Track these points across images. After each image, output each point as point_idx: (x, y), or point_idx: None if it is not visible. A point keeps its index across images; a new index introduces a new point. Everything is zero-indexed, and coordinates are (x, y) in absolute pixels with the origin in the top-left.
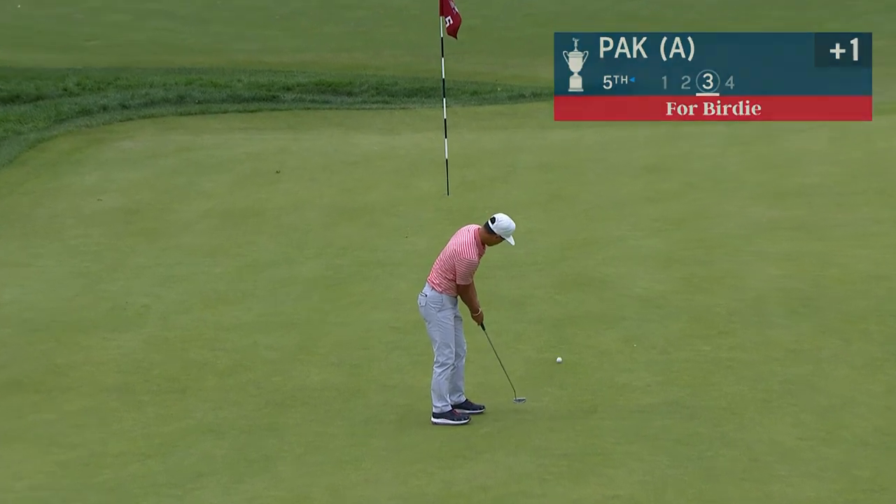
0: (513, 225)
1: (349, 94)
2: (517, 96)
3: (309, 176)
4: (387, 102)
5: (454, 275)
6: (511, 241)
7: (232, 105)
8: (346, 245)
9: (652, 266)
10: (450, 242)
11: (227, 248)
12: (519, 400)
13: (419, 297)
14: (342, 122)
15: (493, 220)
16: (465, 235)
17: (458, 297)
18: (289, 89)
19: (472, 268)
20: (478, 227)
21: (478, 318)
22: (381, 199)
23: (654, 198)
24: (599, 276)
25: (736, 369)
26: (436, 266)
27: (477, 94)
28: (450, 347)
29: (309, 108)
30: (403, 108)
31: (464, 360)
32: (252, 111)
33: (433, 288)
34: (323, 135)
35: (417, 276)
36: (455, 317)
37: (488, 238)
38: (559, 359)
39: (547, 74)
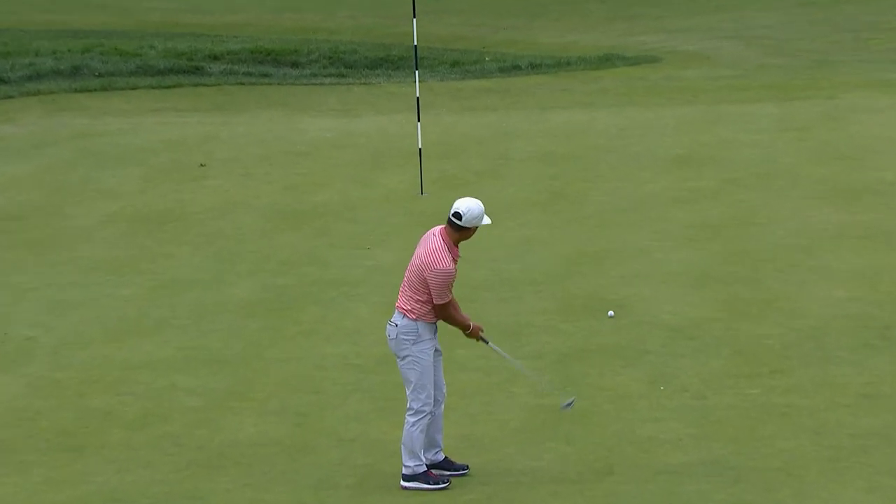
0: (480, 206)
1: (294, 64)
2: (510, 68)
3: (242, 170)
4: (343, 76)
5: (427, 294)
6: (487, 220)
7: (142, 79)
8: (290, 259)
9: (683, 286)
10: (414, 255)
11: (138, 264)
12: (567, 405)
13: (388, 327)
14: (285, 101)
15: (458, 216)
16: (431, 241)
17: (437, 323)
18: (216, 58)
19: (449, 279)
20: (442, 226)
21: (474, 334)
22: (335, 200)
23: (685, 198)
24: (616, 299)
25: (792, 418)
26: (404, 287)
27: (459, 64)
28: (427, 390)
29: (243, 84)
30: (364, 84)
31: (443, 407)
32: (168, 87)
33: (405, 315)
34: (260, 118)
35: (382, 300)
36: (434, 350)
37: (459, 236)
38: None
39: (548, 39)
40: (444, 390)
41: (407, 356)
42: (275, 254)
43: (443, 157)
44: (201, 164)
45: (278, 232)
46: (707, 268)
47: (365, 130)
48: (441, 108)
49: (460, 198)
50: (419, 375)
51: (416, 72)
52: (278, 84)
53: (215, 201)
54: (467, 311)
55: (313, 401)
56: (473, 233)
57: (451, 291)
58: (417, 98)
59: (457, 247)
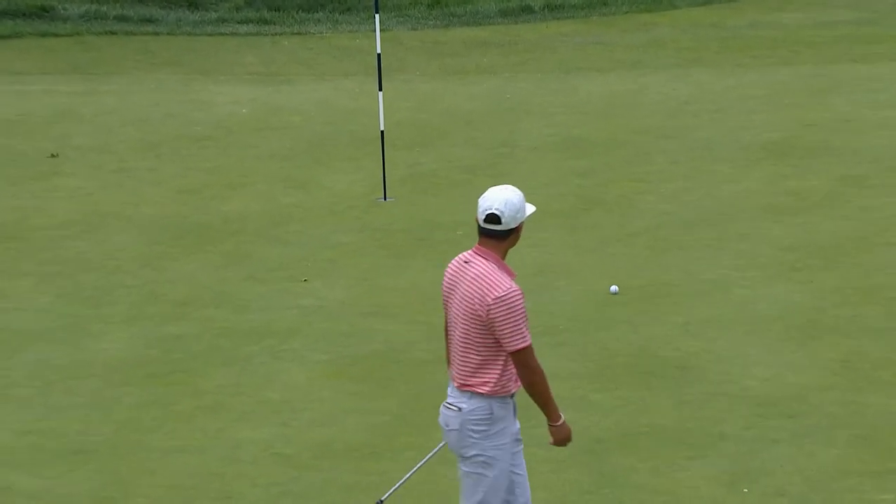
0: (516, 191)
1: (193, 5)
2: (518, 10)
3: (114, 164)
4: (266, 22)
5: (498, 348)
6: (532, 207)
7: None
8: (187, 298)
9: (779, 338)
10: (454, 299)
11: None
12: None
13: (444, 414)
14: (179, 59)
15: (495, 219)
16: (480, 265)
17: (514, 399)
18: None
19: (522, 305)
20: (470, 251)
21: (564, 435)
22: (255, 209)
23: (782, 206)
24: (677, 357)
25: None
26: (457, 351)
27: (440, 5)
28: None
29: (114, 33)
30: (298, 35)
31: None
32: (2, 37)
33: (472, 392)
34: (142, 85)
35: (327, 358)
36: (515, 440)
37: (507, 244)
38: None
39: None
40: (529, 496)
41: (475, 455)
42: (163, 290)
43: (416, 145)
44: (52, 155)
45: (169, 257)
46: (816, 311)
47: (299, 105)
48: (414, 71)
49: (485, 195)
50: (492, 484)
51: (377, 16)
52: (168, 34)
53: (73, 211)
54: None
55: None
56: (518, 238)
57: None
58: (378, 55)
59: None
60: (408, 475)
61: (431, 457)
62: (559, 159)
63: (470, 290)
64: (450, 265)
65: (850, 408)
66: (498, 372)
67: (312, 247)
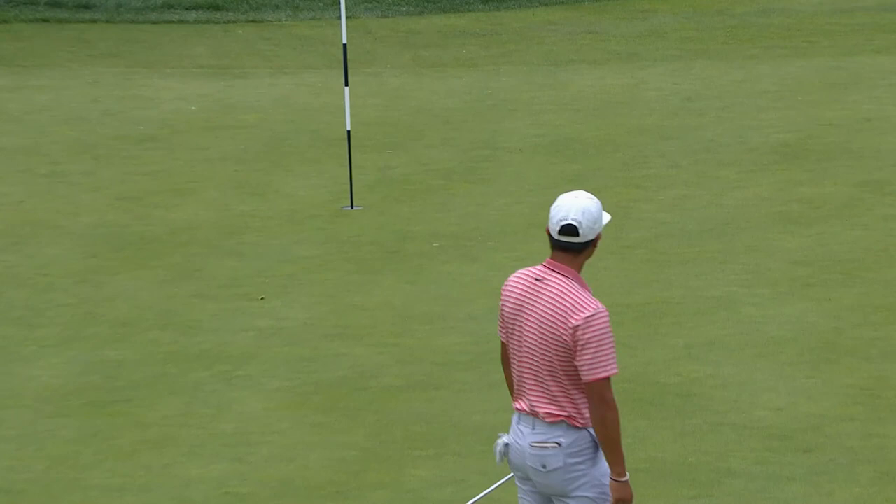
0: (592, 198)
1: None
2: None
3: (45, 167)
4: (218, 8)
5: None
6: (607, 216)
7: None
8: (129, 318)
9: (792, 363)
10: (532, 315)
11: None
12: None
13: (534, 454)
14: (119, 50)
15: (572, 230)
16: (558, 283)
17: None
18: None
19: (611, 330)
20: (538, 267)
21: (626, 498)
22: (205, 218)
23: (796, 214)
24: (678, 383)
25: None
26: (534, 376)
27: None
28: None
29: (45, 20)
30: (253, 22)
31: None
32: None
33: (568, 424)
34: (75, 77)
35: (287, 384)
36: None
37: (584, 258)
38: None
39: None
40: None
41: (585, 484)
42: (102, 309)
43: (386, 147)
44: None
45: (108, 272)
46: (833, 332)
47: (256, 101)
48: (384, 64)
49: (557, 204)
50: None
51: (342, 1)
52: (106, 22)
53: None
54: (434, 401)
55: None
56: (597, 246)
57: None
58: (344, 46)
59: None
60: None
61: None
62: (547, 163)
63: (549, 311)
64: (512, 283)
65: (873, 441)
66: (582, 398)
67: (270, 261)
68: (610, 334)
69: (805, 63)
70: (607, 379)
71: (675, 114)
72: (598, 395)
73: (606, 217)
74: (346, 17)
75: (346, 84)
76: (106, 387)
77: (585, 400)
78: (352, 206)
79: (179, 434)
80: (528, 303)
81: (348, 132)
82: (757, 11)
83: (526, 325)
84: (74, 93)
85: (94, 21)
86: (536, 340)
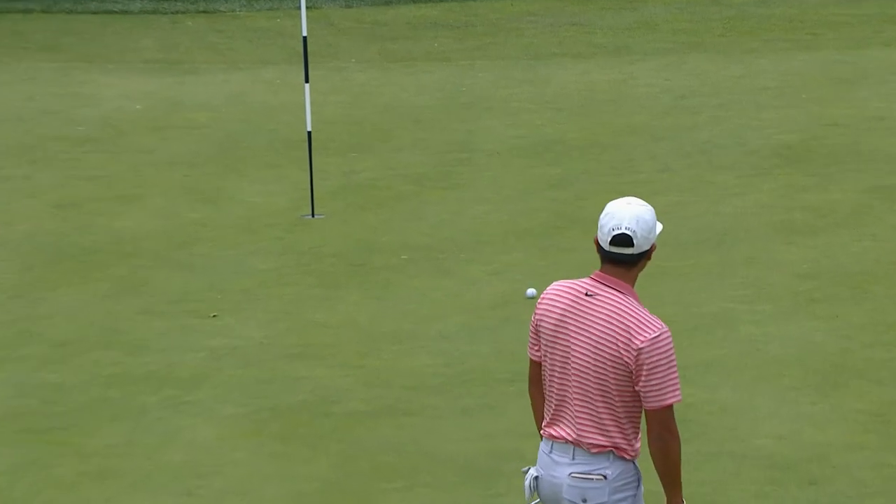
0: (644, 204)
1: None
2: None
3: None
4: None
5: (637, 404)
6: (660, 225)
7: None
8: (68, 338)
9: (796, 386)
10: (583, 334)
11: None
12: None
13: (581, 491)
14: (57, 43)
15: (626, 240)
16: (614, 299)
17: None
18: None
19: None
20: (606, 276)
21: None
22: (152, 227)
23: (799, 224)
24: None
25: None
26: (581, 401)
27: None
28: None
29: None
30: (204, 13)
31: None
32: None
33: (616, 455)
34: (9, 73)
35: (242, 411)
36: None
37: (638, 269)
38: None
39: None
40: None
41: None
42: (40, 327)
43: (351, 150)
44: None
45: (46, 286)
46: (841, 353)
47: (207, 100)
48: (348, 59)
49: (609, 212)
50: None
51: None
52: (43, 13)
53: None
54: (404, 428)
55: None
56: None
57: None
58: (304, 39)
59: None
60: None
61: None
62: (527, 166)
63: (606, 330)
64: (554, 296)
65: (885, 472)
66: (634, 433)
67: (223, 274)
68: (674, 356)
69: (809, 57)
70: (671, 406)
71: (667, 113)
72: (663, 423)
73: (660, 226)
74: (307, 8)
75: (307, 80)
76: (43, 412)
77: (635, 429)
78: (313, 215)
79: (123, 465)
80: (576, 320)
81: (309, 133)
82: (757, 1)
83: (574, 344)
84: (8, 90)
85: (28, 11)
86: (590, 362)
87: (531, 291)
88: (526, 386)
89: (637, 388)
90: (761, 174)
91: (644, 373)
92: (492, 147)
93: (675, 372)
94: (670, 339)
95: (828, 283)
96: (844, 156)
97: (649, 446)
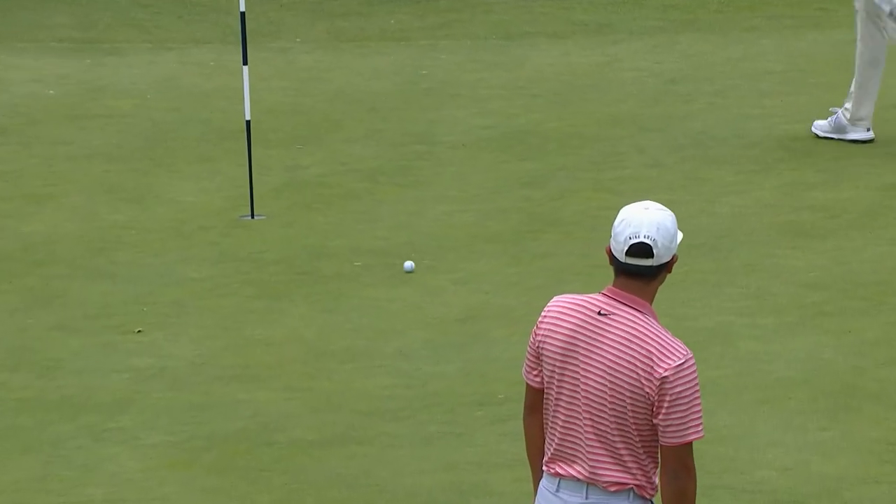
0: (663, 209)
1: None
2: None
3: None
4: None
5: (655, 438)
6: (680, 233)
7: None
8: None
9: (802, 410)
10: (594, 358)
11: None
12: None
13: None
14: None
15: (646, 250)
16: (633, 319)
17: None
18: None
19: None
20: (622, 293)
21: None
22: (68, 231)
23: (806, 225)
24: None
25: None
26: (595, 434)
27: None
28: None
29: None
30: None
31: None
32: None
33: (640, 493)
34: None
35: (169, 439)
36: None
37: (658, 282)
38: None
39: None
40: None
41: None
42: None
43: (296, 142)
44: None
45: None
46: (853, 372)
47: (131, 84)
48: (292, 38)
49: (623, 218)
50: None
51: None
52: None
53: None
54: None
55: None
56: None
57: None
58: (242, 15)
59: None
60: None
61: None
62: (497, 161)
63: (624, 355)
64: (560, 314)
65: None
66: (652, 468)
67: (150, 284)
68: (699, 386)
69: (818, 36)
70: (692, 443)
71: (657, 100)
72: (681, 461)
73: (680, 234)
74: None
75: (245, 63)
76: None
77: (655, 465)
78: (252, 216)
79: (36, 501)
80: (587, 342)
81: (248, 123)
82: None
83: (585, 371)
84: None
85: None
86: (605, 391)
87: (409, 265)
88: (512, 411)
89: (655, 421)
90: (763, 170)
91: (666, 405)
92: (456, 139)
93: (699, 405)
94: (695, 367)
95: (838, 293)
96: (856, 149)
97: (661, 486)
